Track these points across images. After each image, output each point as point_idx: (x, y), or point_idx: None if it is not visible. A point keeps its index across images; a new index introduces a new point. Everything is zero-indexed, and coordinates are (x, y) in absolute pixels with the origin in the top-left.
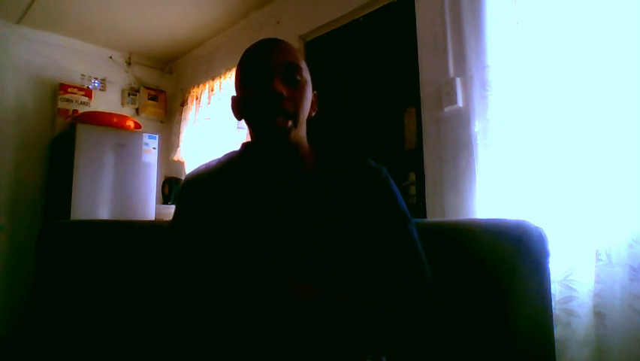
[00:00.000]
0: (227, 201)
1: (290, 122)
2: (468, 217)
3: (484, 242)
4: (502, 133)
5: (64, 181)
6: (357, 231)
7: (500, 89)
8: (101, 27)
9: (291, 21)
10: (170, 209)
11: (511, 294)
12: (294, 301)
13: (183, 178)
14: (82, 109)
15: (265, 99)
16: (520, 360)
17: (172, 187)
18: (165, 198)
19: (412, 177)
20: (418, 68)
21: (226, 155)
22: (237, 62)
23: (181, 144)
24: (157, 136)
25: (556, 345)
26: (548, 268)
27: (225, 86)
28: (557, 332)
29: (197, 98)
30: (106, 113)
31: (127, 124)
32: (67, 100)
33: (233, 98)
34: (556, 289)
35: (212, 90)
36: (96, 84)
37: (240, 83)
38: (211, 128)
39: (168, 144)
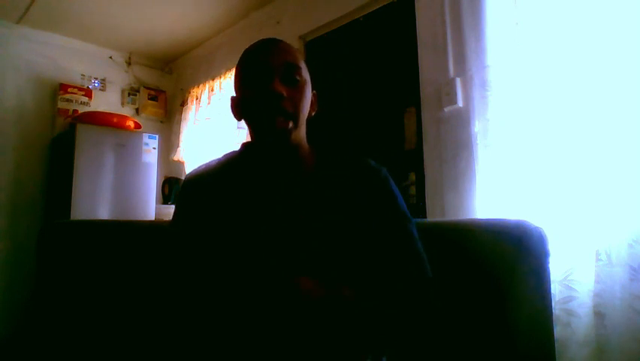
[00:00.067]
0: (227, 201)
1: (290, 123)
2: (468, 217)
3: (484, 242)
4: (502, 133)
5: (64, 181)
6: (357, 231)
7: (500, 89)
8: (101, 27)
9: (291, 21)
10: (170, 209)
11: (511, 294)
12: (300, 296)
13: (183, 178)
14: (82, 109)
15: (265, 99)
16: (520, 360)
17: (172, 187)
18: (165, 198)
19: (412, 177)
20: (418, 68)
21: (226, 155)
22: (237, 62)
23: (181, 144)
24: (157, 136)
25: (556, 345)
26: (548, 268)
27: (225, 86)
28: (557, 332)
29: (197, 98)
30: (106, 113)
31: (127, 124)
32: (67, 100)
33: (233, 99)
34: (556, 289)
35: (212, 90)
36: (96, 84)
37: (239, 84)
38: (211, 128)
39: (168, 144)
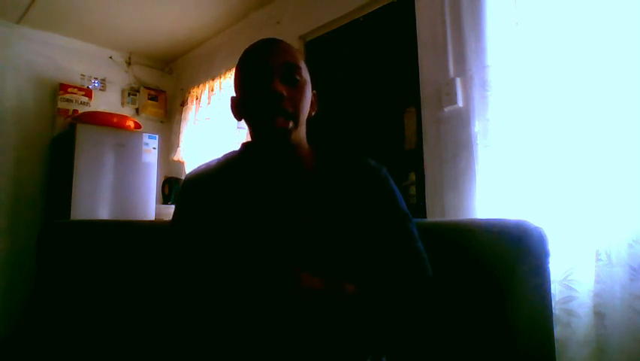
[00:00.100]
0: (227, 201)
1: (290, 123)
2: (468, 217)
3: (484, 242)
4: (502, 133)
5: (64, 181)
6: (358, 231)
7: (500, 89)
8: (101, 27)
9: (291, 21)
10: (170, 209)
11: (511, 294)
12: (301, 289)
13: (183, 178)
14: (82, 109)
15: (265, 99)
16: (520, 360)
17: (172, 187)
18: (165, 198)
19: (412, 177)
20: (418, 68)
21: (226, 155)
22: (237, 62)
23: (181, 144)
24: (157, 136)
25: (556, 345)
26: (548, 268)
27: (225, 86)
28: (557, 332)
29: (197, 98)
30: (106, 113)
31: (127, 124)
32: (67, 100)
33: (233, 99)
34: (556, 289)
35: (212, 90)
36: (96, 84)
37: (239, 84)
38: (211, 128)
39: (168, 144)
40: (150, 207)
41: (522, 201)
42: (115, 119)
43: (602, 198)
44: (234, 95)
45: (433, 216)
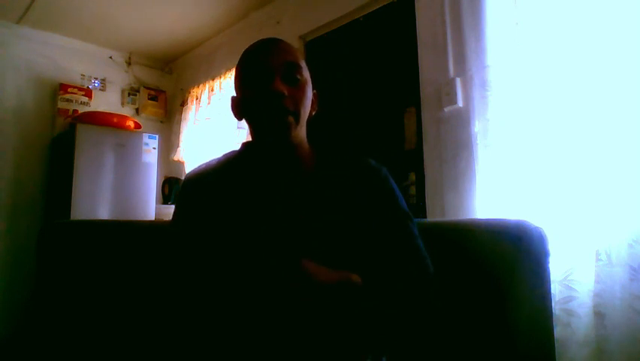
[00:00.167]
0: (227, 200)
1: (292, 118)
2: (468, 217)
3: (484, 242)
4: (502, 133)
5: (64, 181)
6: (358, 230)
7: (500, 89)
8: (101, 27)
9: (291, 21)
10: (170, 209)
11: (511, 294)
12: (307, 277)
13: (183, 178)
14: (82, 109)
15: (266, 99)
16: (520, 360)
17: (172, 187)
18: (165, 198)
19: (412, 177)
20: (418, 68)
21: (226, 154)
22: (237, 62)
23: (181, 144)
24: (157, 136)
25: (556, 345)
26: (548, 268)
27: (225, 86)
28: (557, 332)
29: (197, 98)
30: (106, 113)
31: (127, 124)
32: (67, 100)
33: (233, 99)
34: (556, 289)
35: (212, 90)
36: (96, 84)
37: (240, 84)
38: (211, 128)
39: (168, 144)
40: (150, 207)
41: (522, 201)
42: (115, 119)
43: (602, 199)
44: (235, 94)
45: (433, 216)
